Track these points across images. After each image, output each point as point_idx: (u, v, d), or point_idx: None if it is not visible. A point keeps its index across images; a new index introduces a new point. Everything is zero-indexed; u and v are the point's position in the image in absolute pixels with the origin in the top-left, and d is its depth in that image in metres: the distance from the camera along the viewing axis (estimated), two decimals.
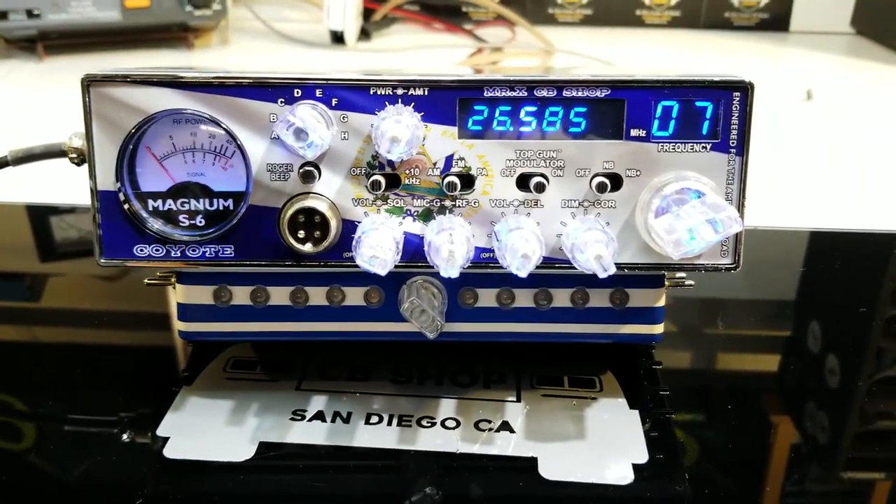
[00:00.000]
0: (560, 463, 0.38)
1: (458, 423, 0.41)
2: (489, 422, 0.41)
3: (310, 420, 0.41)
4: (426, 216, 0.39)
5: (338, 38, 1.35)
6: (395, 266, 0.37)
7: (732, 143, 0.38)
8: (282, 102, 0.38)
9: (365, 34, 1.42)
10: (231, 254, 0.40)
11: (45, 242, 0.69)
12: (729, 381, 0.50)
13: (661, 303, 0.43)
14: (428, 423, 0.41)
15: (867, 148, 0.97)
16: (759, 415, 0.45)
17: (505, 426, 0.41)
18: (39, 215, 0.72)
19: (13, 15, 1.17)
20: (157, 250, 0.40)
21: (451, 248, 0.36)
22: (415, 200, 0.39)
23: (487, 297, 0.43)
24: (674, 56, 1.40)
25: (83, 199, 0.69)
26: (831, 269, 0.64)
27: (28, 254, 0.66)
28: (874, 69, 1.33)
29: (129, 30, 1.25)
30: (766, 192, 0.73)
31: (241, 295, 0.43)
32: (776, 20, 1.59)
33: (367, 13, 1.44)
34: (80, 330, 0.55)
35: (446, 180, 0.39)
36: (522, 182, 0.39)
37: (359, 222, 0.39)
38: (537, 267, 0.37)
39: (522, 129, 0.39)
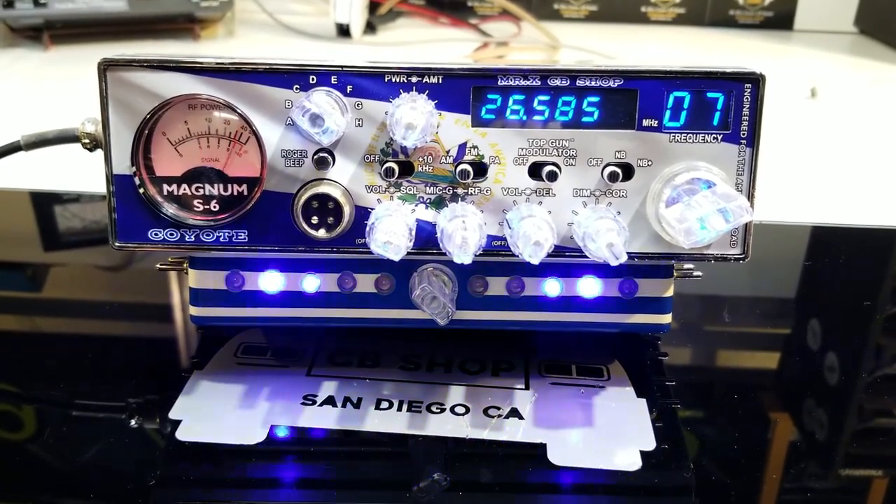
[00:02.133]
0: (569, 449, 0.39)
1: (468, 410, 0.41)
2: (498, 408, 0.41)
3: (321, 405, 0.41)
4: (439, 203, 0.40)
5: (343, 31, 1.35)
6: (408, 253, 0.37)
7: (743, 133, 0.39)
8: (297, 89, 0.38)
9: (370, 27, 1.42)
10: (245, 239, 0.40)
11: (49, 231, 0.69)
12: (734, 374, 0.50)
13: (670, 293, 0.44)
14: (437, 409, 0.41)
15: (870, 145, 0.97)
16: (761, 408, 0.45)
17: (514, 413, 0.41)
18: (43, 203, 0.72)
19: (19, 4, 1.17)
20: (171, 234, 0.40)
21: (465, 234, 0.36)
22: (427, 188, 0.40)
23: (497, 285, 0.43)
24: (678, 53, 1.40)
25: (88, 186, 0.70)
26: (834, 264, 0.64)
27: (32, 242, 0.66)
28: (877, 68, 1.33)
29: (135, 20, 1.25)
30: (771, 188, 0.74)
31: (253, 280, 0.43)
32: (780, 19, 1.59)
33: (373, 7, 1.44)
34: (89, 319, 0.55)
35: (459, 168, 0.39)
36: (535, 171, 0.39)
37: (372, 209, 0.39)
38: (548, 255, 0.37)
39: (535, 117, 0.39)
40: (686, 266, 0.44)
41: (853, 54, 1.44)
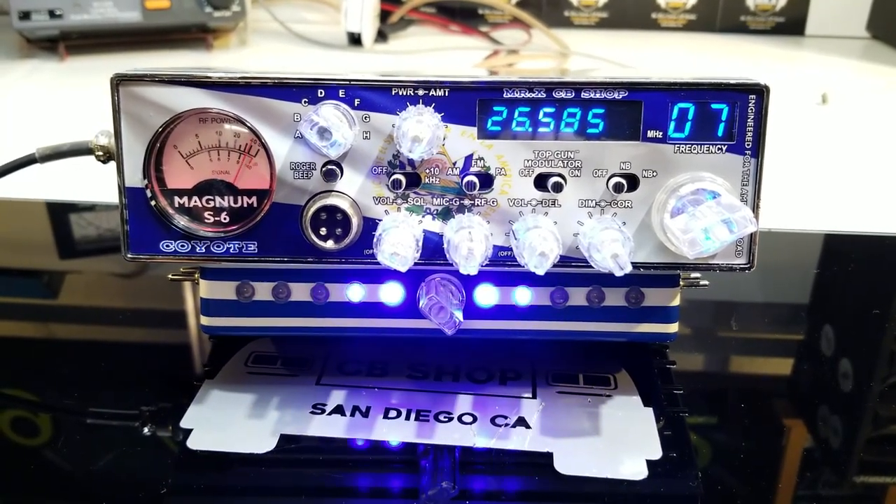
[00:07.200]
0: (575, 458, 0.39)
1: (475, 419, 0.42)
2: (505, 417, 0.42)
3: (329, 414, 0.42)
4: (445, 215, 0.40)
5: (355, 39, 1.36)
6: (415, 263, 0.38)
7: (748, 144, 0.39)
8: (305, 102, 0.39)
9: (382, 36, 1.43)
10: (254, 250, 0.41)
11: (65, 240, 0.70)
12: (742, 383, 0.50)
13: (676, 302, 0.44)
14: (445, 418, 0.42)
15: (882, 152, 0.97)
16: (772, 416, 0.45)
17: (521, 422, 0.41)
18: (59, 212, 0.73)
19: (36, 15, 1.19)
20: (182, 246, 0.41)
21: (471, 245, 0.37)
22: (434, 199, 0.40)
23: (505, 295, 0.44)
24: (689, 59, 1.40)
25: (102, 196, 0.71)
26: (845, 271, 0.64)
27: (48, 251, 0.67)
28: (890, 73, 1.32)
29: (149, 30, 1.27)
30: (781, 195, 0.74)
31: (263, 291, 0.44)
32: (792, 24, 1.58)
33: (384, 15, 1.45)
34: (102, 327, 0.56)
35: (465, 180, 0.39)
36: (540, 182, 0.40)
37: (379, 220, 0.40)
38: (554, 265, 0.37)
39: (541, 129, 0.39)
40: (693, 275, 0.45)
41: (865, 59, 1.43)
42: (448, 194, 0.40)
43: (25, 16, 1.19)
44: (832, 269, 0.64)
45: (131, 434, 0.41)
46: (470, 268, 0.36)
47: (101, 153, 0.43)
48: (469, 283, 0.43)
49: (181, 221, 0.40)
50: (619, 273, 0.36)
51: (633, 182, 0.40)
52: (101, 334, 0.55)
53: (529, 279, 0.43)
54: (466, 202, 0.40)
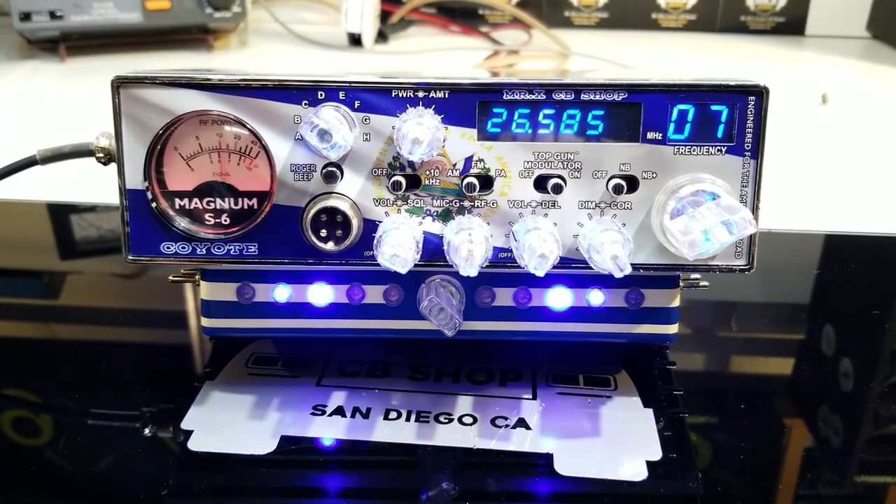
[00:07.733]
0: (576, 459, 0.39)
1: (475, 420, 0.42)
2: (506, 418, 0.42)
3: (330, 415, 0.42)
4: (445, 216, 0.40)
5: (355, 40, 1.36)
6: (415, 265, 0.38)
7: (747, 146, 0.39)
8: (306, 104, 0.39)
9: (382, 36, 1.43)
10: (255, 252, 0.41)
11: (66, 240, 0.70)
12: (742, 383, 0.50)
13: (676, 303, 0.44)
14: (445, 419, 0.42)
15: (882, 152, 0.97)
16: (772, 417, 0.45)
17: (521, 423, 0.41)
18: (60, 213, 0.73)
19: (36, 16, 1.19)
20: (183, 248, 0.41)
21: (471, 247, 0.37)
22: (434, 201, 0.40)
23: (504, 296, 0.44)
24: (690, 60, 1.40)
25: (103, 197, 0.71)
26: (845, 272, 0.64)
27: (49, 252, 0.67)
28: (890, 73, 1.32)
29: (149, 31, 1.27)
30: (781, 196, 0.74)
31: (263, 292, 0.44)
32: (792, 24, 1.58)
33: (385, 15, 1.45)
34: (103, 327, 0.56)
35: (465, 181, 0.39)
36: (540, 183, 0.40)
37: (380, 222, 0.40)
38: (554, 266, 0.37)
39: (540, 131, 0.39)
40: (692, 276, 0.45)
41: (865, 59, 1.43)
42: (448, 196, 0.40)
43: (26, 17, 1.19)
44: (832, 270, 0.64)
45: (132, 435, 0.41)
46: (470, 269, 0.37)
47: (101, 155, 0.43)
48: (469, 284, 0.43)
49: (182, 223, 0.40)
50: (618, 274, 0.36)
51: (632, 183, 0.40)
52: (102, 335, 0.55)
53: (529, 280, 0.43)
54: (466, 204, 0.40)
